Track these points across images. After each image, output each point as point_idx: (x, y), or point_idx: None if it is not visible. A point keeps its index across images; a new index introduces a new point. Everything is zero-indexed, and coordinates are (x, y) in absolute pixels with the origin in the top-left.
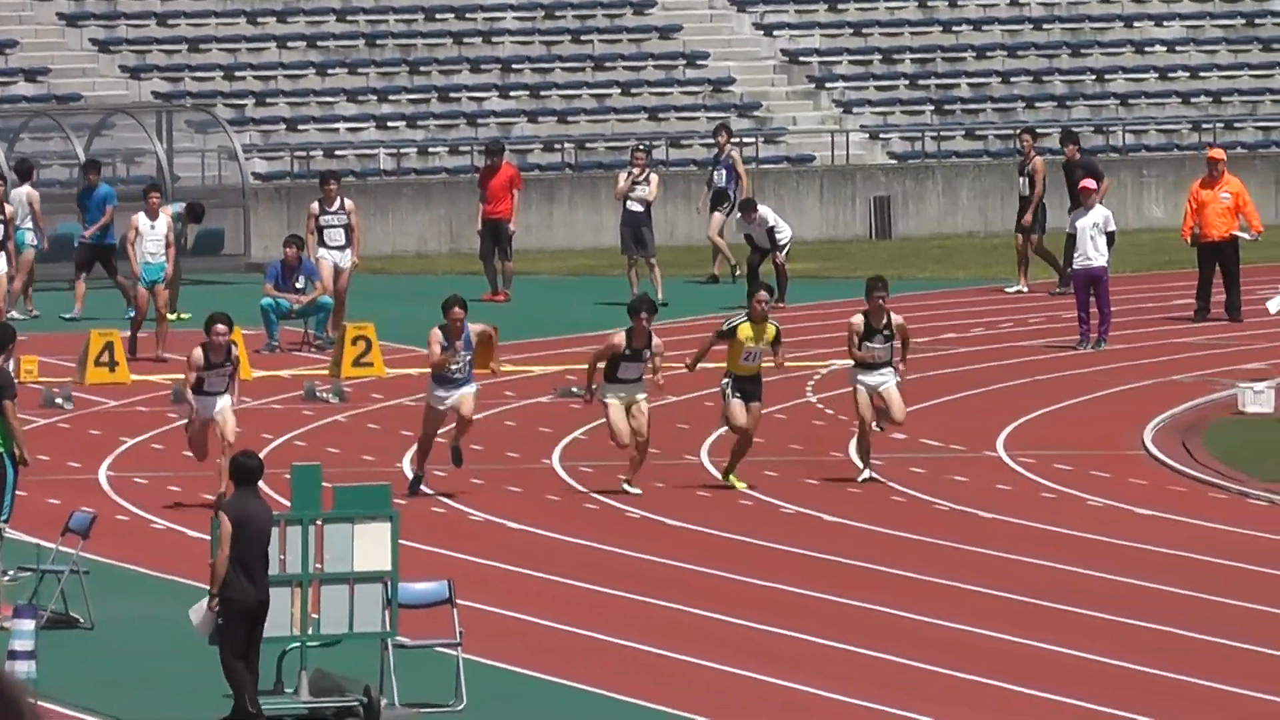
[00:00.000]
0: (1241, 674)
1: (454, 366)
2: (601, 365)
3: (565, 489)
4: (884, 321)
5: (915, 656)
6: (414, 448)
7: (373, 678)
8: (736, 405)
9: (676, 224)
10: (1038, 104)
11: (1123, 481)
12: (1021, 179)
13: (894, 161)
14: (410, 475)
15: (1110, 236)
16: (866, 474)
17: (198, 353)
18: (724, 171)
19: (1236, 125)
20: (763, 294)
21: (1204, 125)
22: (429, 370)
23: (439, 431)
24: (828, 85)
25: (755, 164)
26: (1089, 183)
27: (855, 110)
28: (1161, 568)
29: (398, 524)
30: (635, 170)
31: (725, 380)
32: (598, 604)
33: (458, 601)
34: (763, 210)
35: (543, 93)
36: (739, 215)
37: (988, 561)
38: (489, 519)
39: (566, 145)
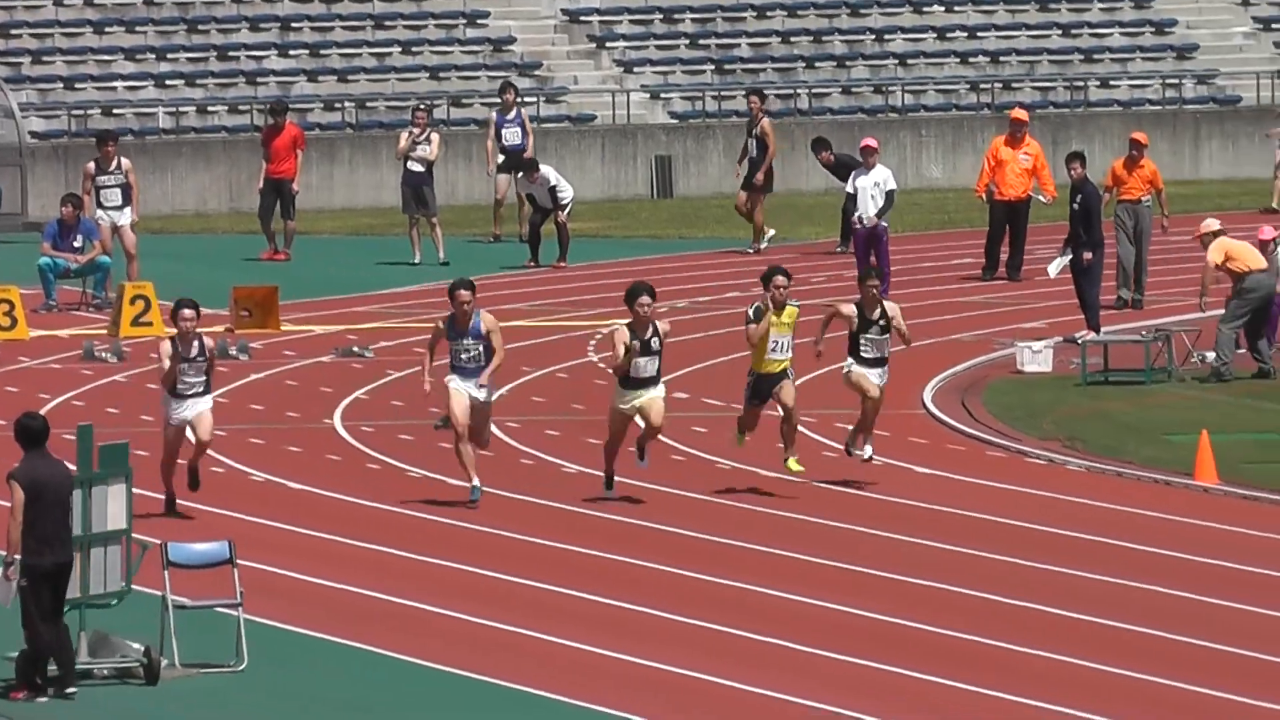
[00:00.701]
0: (1017, 632)
1: (465, 355)
2: (617, 365)
3: (347, 449)
4: (878, 312)
5: (687, 613)
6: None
7: (153, 638)
8: (753, 413)
9: (457, 183)
10: (818, 64)
11: (902, 440)
12: (750, 140)
13: (675, 121)
14: (474, 484)
15: (890, 196)
16: (869, 450)
17: (166, 346)
18: (518, 129)
19: (1014, 85)
20: (780, 279)
21: (981, 86)
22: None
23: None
24: (608, 45)
25: (536, 123)
26: (870, 141)
27: (636, 70)
28: (940, 526)
29: (130, 482)
30: (416, 130)
31: (750, 383)
32: (380, 564)
33: (238, 562)
34: (545, 170)
35: (322, 51)
36: (520, 175)
37: (766, 520)
38: (269, 478)
39: (347, 104)
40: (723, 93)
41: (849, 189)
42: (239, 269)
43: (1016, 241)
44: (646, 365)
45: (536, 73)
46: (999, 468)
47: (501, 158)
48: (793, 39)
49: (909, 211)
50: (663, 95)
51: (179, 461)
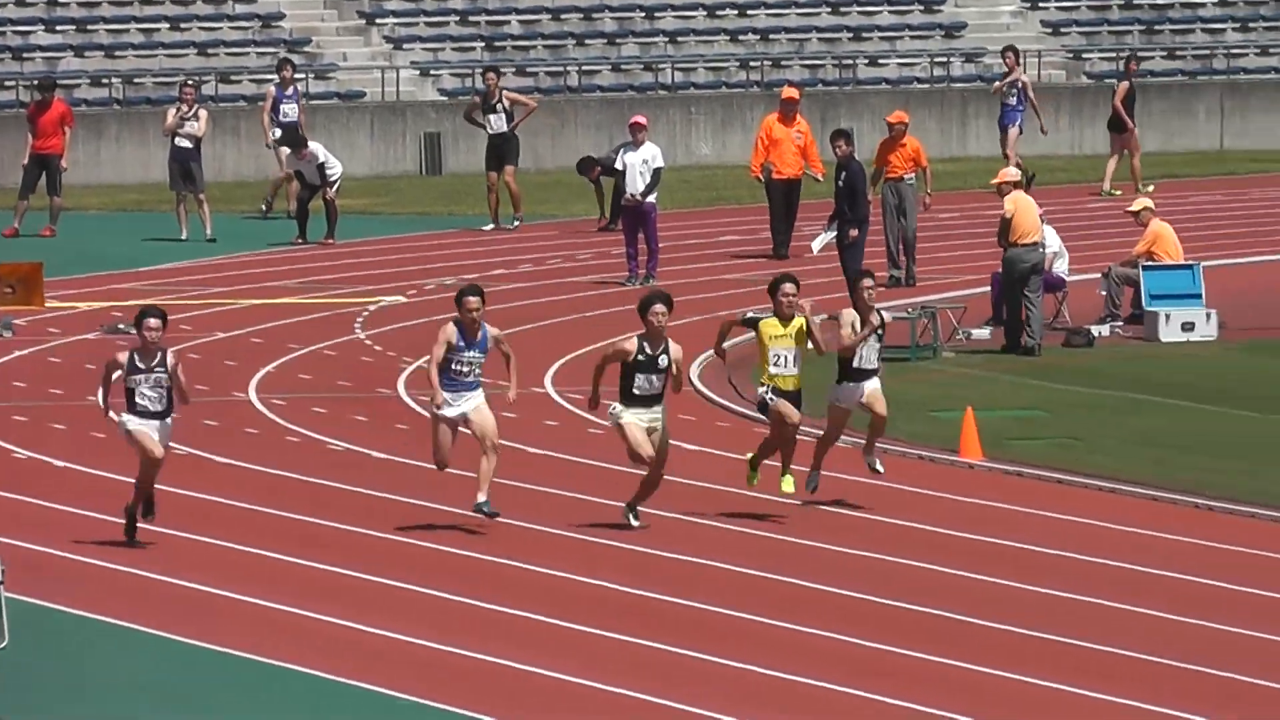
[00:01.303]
0: (774, 607)
1: (465, 368)
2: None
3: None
4: (878, 320)
5: (452, 589)
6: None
7: None
8: (782, 404)
9: (225, 160)
10: (588, 41)
11: (671, 417)
12: (493, 117)
13: (444, 98)
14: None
15: (657, 173)
16: (878, 463)
17: (122, 356)
18: (295, 105)
19: (783, 63)
20: (788, 286)
21: (751, 63)
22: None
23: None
24: (378, 21)
25: (306, 100)
26: (640, 119)
27: (405, 46)
28: (710, 503)
29: None
30: (184, 106)
31: (763, 389)
32: (171, 547)
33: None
34: (313, 146)
35: (89, 27)
36: (289, 151)
37: (542, 498)
38: (33, 456)
39: (114, 80)
40: (499, 69)
41: (618, 165)
42: (2, 246)
43: (789, 219)
44: (653, 380)
45: (306, 49)
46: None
47: (278, 132)
48: (563, 16)
49: (678, 189)
50: (432, 72)
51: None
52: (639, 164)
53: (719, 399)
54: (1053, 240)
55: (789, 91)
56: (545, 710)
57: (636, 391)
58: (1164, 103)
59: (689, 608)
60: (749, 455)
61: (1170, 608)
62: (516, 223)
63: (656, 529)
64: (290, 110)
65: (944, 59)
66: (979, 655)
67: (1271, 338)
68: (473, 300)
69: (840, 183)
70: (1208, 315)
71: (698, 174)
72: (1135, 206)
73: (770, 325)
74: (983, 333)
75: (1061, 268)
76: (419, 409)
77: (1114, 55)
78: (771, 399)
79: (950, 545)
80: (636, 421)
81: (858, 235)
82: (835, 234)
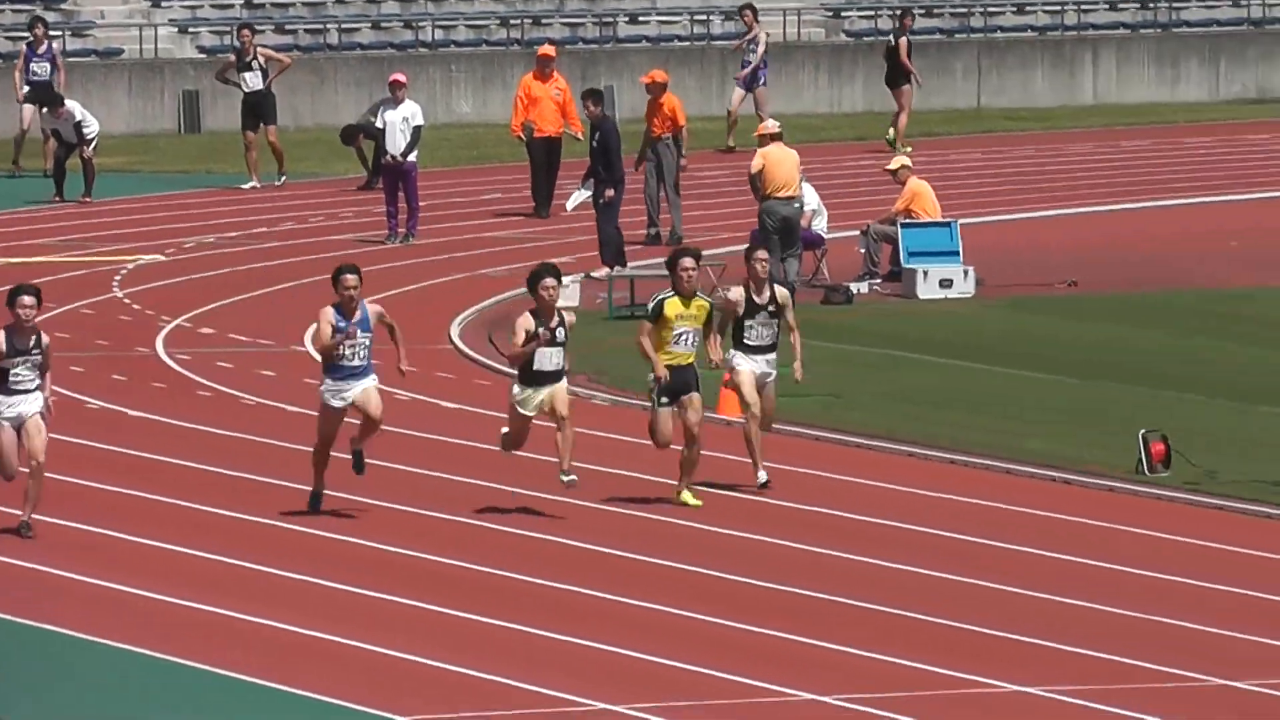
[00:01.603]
0: (522, 561)
1: (348, 351)
2: (519, 350)
3: None
4: (769, 296)
5: (243, 556)
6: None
7: None
8: (663, 415)
9: None
10: None
11: (430, 376)
12: (249, 74)
13: (203, 56)
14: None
15: (417, 131)
16: (764, 476)
17: None
18: (47, 64)
19: (544, 21)
20: (687, 261)
21: (512, 21)
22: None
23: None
24: None
25: (63, 57)
26: (399, 76)
27: (164, 4)
28: (469, 462)
29: None
30: None
31: (652, 378)
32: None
33: None
34: (70, 105)
35: None
36: (45, 110)
37: (274, 453)
38: None
39: None
40: (255, 26)
41: (378, 124)
42: None
43: (549, 177)
44: (552, 357)
45: (62, 6)
46: None
47: (27, 88)
48: None
49: (439, 147)
50: (191, 30)
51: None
52: (399, 122)
53: (478, 356)
54: (811, 198)
55: (545, 49)
56: (405, 693)
57: (535, 366)
58: (922, 60)
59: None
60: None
61: (932, 564)
62: (283, 178)
63: (459, 499)
64: (41, 69)
65: (703, 16)
66: (739, 613)
67: (1028, 294)
68: (350, 278)
69: (594, 143)
70: (965, 272)
71: (459, 132)
72: (893, 165)
73: (674, 304)
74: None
75: (820, 225)
76: (178, 368)
77: (872, 14)
78: (657, 402)
79: (712, 503)
80: (528, 412)
81: (614, 195)
82: (591, 193)
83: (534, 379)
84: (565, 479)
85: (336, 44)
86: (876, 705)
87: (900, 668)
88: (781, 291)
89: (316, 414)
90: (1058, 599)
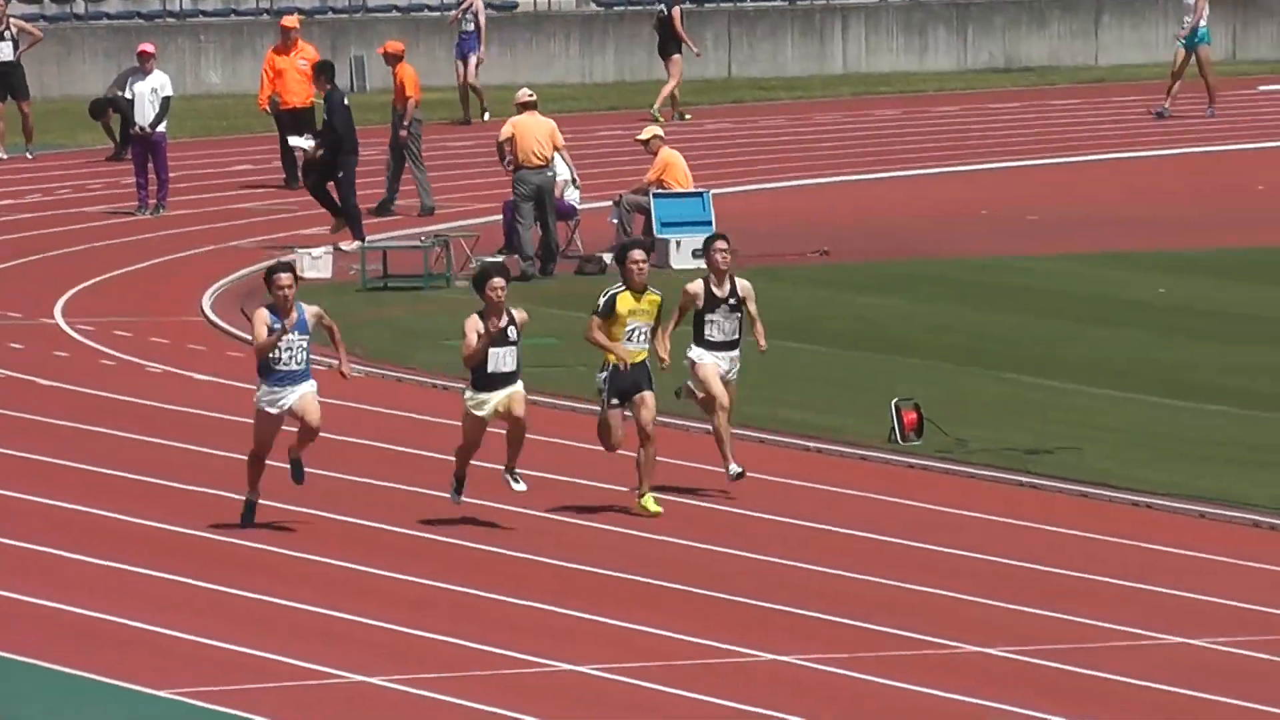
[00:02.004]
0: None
1: (284, 355)
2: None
3: None
4: (729, 289)
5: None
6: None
7: None
8: (614, 416)
9: None
10: None
11: (181, 348)
12: (1, 44)
13: None
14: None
15: (165, 102)
16: (737, 469)
17: None
18: None
19: None
20: (637, 253)
21: None
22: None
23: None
24: None
25: None
26: (147, 47)
27: None
28: (203, 431)
29: None
30: None
31: (602, 375)
32: None
33: None
34: None
35: None
36: None
37: (50, 430)
38: None
39: None
40: None
41: (126, 94)
42: None
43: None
44: (505, 358)
45: None
46: None
47: None
48: None
49: (188, 118)
50: None
51: None
52: (147, 93)
53: (230, 327)
54: (564, 169)
55: (286, 20)
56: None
57: (488, 368)
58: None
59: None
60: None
61: (685, 533)
62: (31, 151)
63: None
64: None
65: None
66: (513, 588)
67: (781, 264)
68: (284, 277)
69: (326, 117)
70: None
71: (208, 103)
72: (644, 134)
73: (626, 299)
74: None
75: (573, 196)
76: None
77: None
78: (607, 403)
79: (428, 468)
80: (482, 414)
81: (344, 164)
82: (314, 142)
83: (488, 382)
84: (515, 485)
85: (84, 13)
86: (631, 675)
87: (654, 637)
88: (743, 283)
89: (253, 421)
90: (812, 567)
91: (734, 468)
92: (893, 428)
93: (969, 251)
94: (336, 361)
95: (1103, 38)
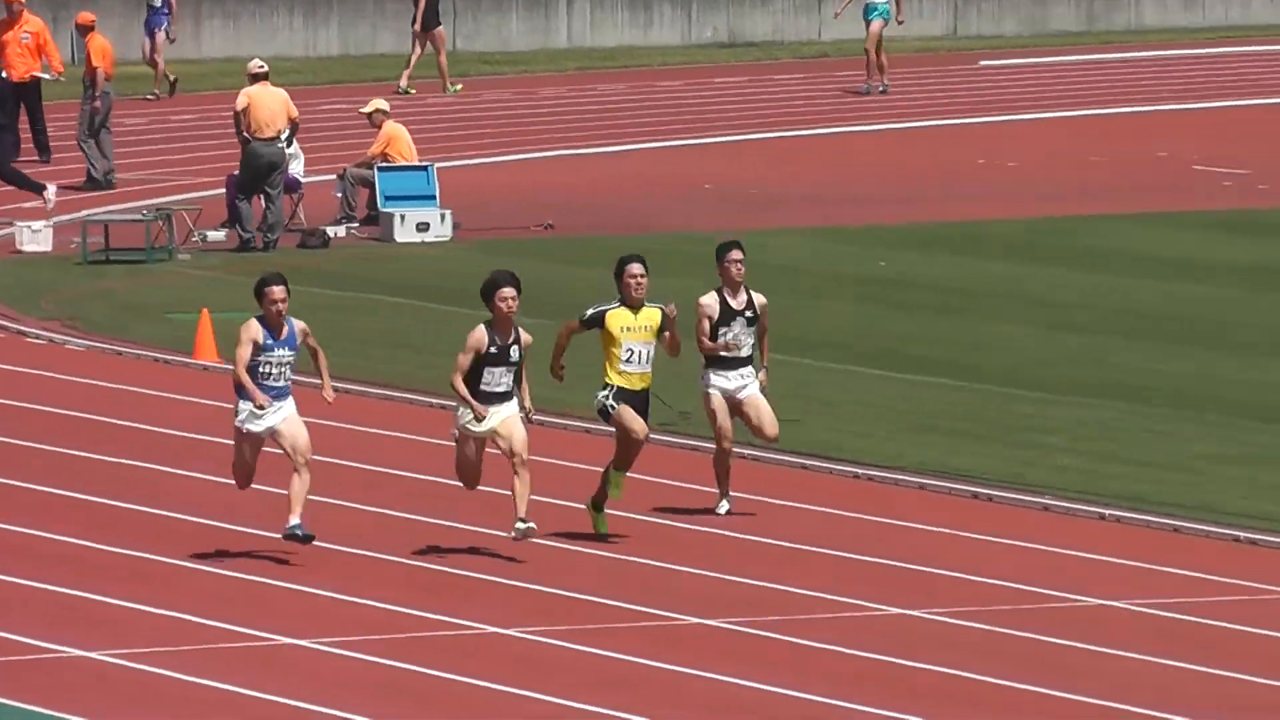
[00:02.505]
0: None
1: (273, 369)
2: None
3: None
4: (745, 300)
5: None
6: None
7: None
8: (626, 411)
9: None
10: None
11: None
12: None
13: None
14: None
15: None
16: (726, 506)
17: None
18: None
19: None
20: (635, 267)
21: None
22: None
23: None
24: None
25: None
26: None
27: None
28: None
29: None
30: None
31: (604, 393)
32: None
33: None
34: None
35: None
36: None
37: None
38: None
39: None
40: None
41: None
42: None
43: (36, 120)
44: (499, 377)
45: None
46: None
47: None
48: None
49: None
50: None
51: None
52: None
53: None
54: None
55: None
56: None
57: (484, 385)
58: (399, 4)
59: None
60: (589, 499)
61: (402, 506)
62: None
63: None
64: None
65: None
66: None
67: (505, 237)
68: (277, 290)
69: None
70: (442, 216)
71: None
72: (368, 108)
73: (620, 316)
74: (218, 234)
75: (297, 169)
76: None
77: None
78: (613, 406)
79: (162, 444)
80: (476, 430)
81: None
82: None
83: (481, 400)
84: (520, 527)
85: None
86: (355, 649)
87: (381, 611)
88: (759, 297)
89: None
90: (541, 543)
91: (724, 505)
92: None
93: (692, 226)
94: (319, 383)
95: (825, 13)
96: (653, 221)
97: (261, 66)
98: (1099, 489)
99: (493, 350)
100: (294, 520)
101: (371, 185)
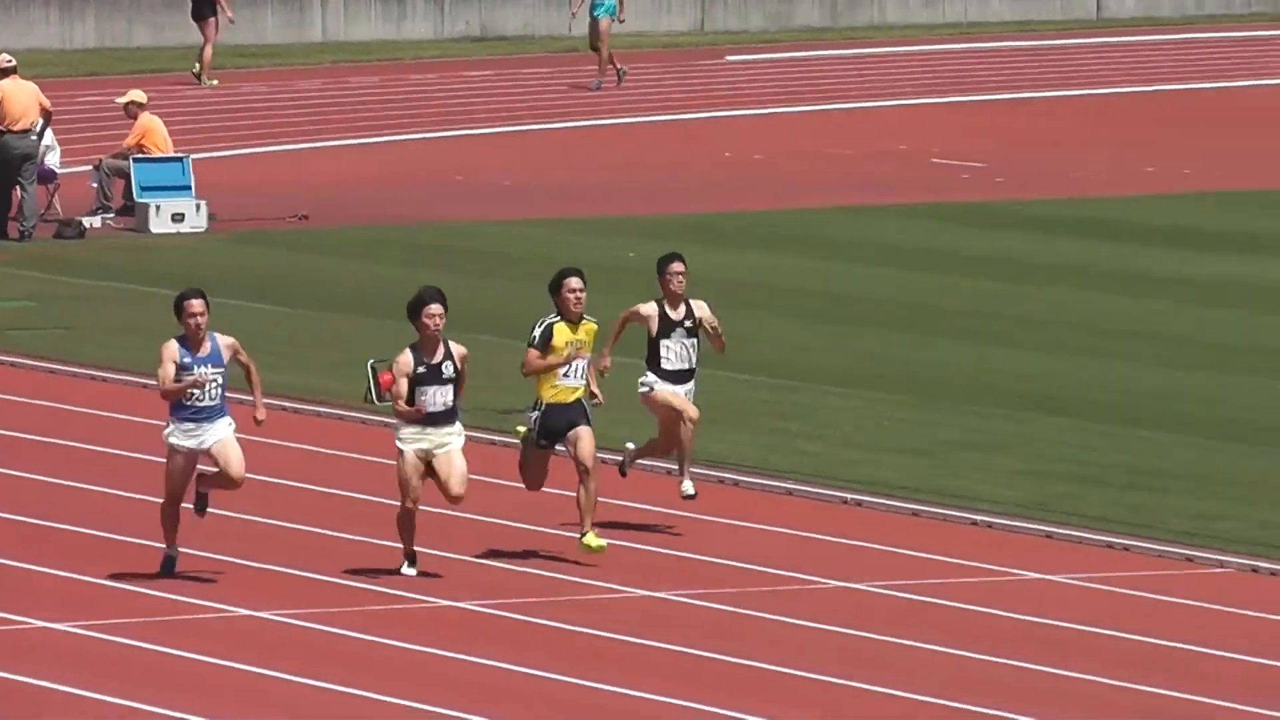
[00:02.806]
0: None
1: (195, 392)
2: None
3: None
4: (684, 311)
5: None
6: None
7: None
8: (540, 457)
9: None
10: None
11: None
12: None
13: None
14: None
15: None
16: (690, 486)
17: None
18: None
19: None
20: (574, 280)
21: None
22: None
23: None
24: None
25: None
26: None
27: None
28: None
29: None
30: None
31: (533, 414)
32: None
33: None
34: None
35: None
36: None
37: None
38: None
39: None
40: None
41: None
42: None
43: None
44: (435, 396)
45: None
46: None
47: None
48: None
49: None
50: None
51: None
52: None
53: None
54: (46, 134)
55: None
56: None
57: (425, 403)
58: None
59: None
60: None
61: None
62: None
63: None
64: None
65: None
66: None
67: (260, 228)
68: (195, 304)
69: None
70: (198, 206)
71: None
72: (124, 99)
73: (562, 331)
74: None
75: (53, 160)
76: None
77: None
78: (534, 440)
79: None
80: (414, 452)
81: None
82: None
83: (424, 422)
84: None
85: None
86: (104, 631)
87: (120, 593)
88: (699, 305)
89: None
90: (295, 526)
91: (687, 486)
92: (369, 388)
93: (444, 217)
94: (252, 398)
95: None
96: (405, 212)
97: (10, 60)
98: (841, 474)
99: (420, 370)
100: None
101: (127, 176)
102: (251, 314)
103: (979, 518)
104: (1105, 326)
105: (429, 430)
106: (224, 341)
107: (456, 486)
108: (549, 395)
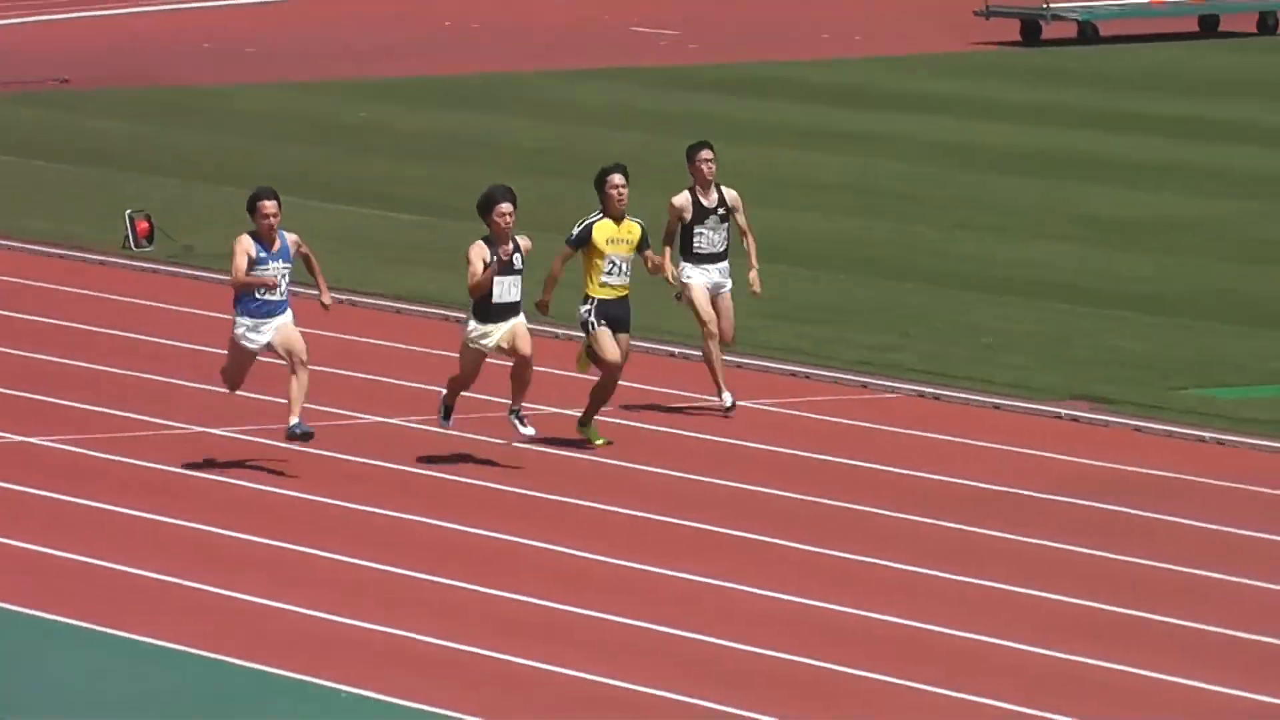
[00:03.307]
0: None
1: (264, 291)
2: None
3: None
4: (716, 198)
5: None
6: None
7: None
8: (605, 334)
9: None
10: None
11: None
12: None
13: None
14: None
15: None
16: (730, 398)
17: None
18: None
19: None
20: (616, 177)
21: None
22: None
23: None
24: None
25: None
26: None
27: None
28: None
29: None
30: None
31: (585, 308)
32: None
33: None
34: None
35: None
36: None
37: None
38: None
39: None
40: None
41: None
42: None
43: None
44: (510, 288)
45: None
46: None
47: None
48: None
49: None
50: None
51: None
52: None
53: None
54: None
55: None
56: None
57: (493, 298)
58: None
59: None
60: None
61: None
62: None
63: None
64: None
65: None
66: None
67: (20, 90)
68: (269, 205)
69: None
70: None
71: None
72: None
73: (604, 228)
74: None
75: None
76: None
77: None
78: (594, 324)
79: None
80: (484, 345)
81: None
82: None
83: (492, 313)
84: (522, 429)
85: None
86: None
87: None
88: (730, 193)
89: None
90: (82, 364)
91: (727, 397)
92: (127, 235)
93: (194, 80)
94: (317, 291)
95: None
96: (160, 75)
97: None
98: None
99: (494, 260)
100: (294, 420)
101: None
102: (15, 168)
103: (677, 349)
104: (783, 178)
105: (500, 324)
106: (290, 238)
107: (525, 346)
108: (599, 292)
